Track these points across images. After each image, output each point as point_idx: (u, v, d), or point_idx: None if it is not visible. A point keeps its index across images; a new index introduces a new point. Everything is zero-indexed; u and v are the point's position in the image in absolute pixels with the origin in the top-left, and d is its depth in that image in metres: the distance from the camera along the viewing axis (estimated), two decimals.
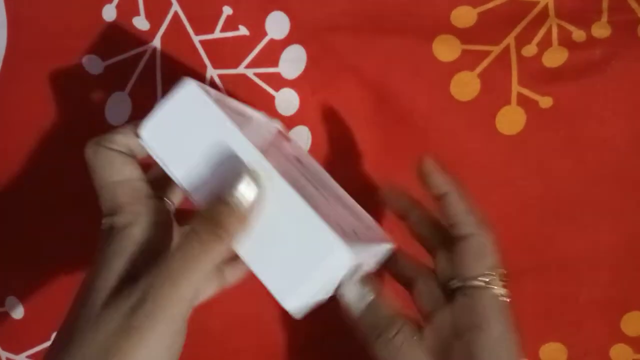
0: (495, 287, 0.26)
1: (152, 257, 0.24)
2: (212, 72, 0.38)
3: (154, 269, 0.22)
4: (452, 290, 0.27)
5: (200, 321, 0.38)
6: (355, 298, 0.25)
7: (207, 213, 0.23)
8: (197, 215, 0.23)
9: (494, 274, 0.26)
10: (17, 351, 0.39)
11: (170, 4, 0.37)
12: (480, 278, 0.26)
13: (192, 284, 0.22)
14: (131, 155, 0.26)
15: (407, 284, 0.30)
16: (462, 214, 0.28)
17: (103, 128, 0.38)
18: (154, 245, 0.25)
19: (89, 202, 0.29)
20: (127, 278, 0.23)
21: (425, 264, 0.30)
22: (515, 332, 0.26)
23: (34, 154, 0.38)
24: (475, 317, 0.26)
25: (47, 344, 0.39)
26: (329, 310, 0.25)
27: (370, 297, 0.25)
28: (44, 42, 0.37)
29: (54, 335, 0.37)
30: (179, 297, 0.22)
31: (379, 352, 0.25)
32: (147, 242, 0.24)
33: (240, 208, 0.22)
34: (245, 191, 0.22)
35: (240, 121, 0.26)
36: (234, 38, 0.37)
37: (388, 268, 0.31)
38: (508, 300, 0.26)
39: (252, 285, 0.25)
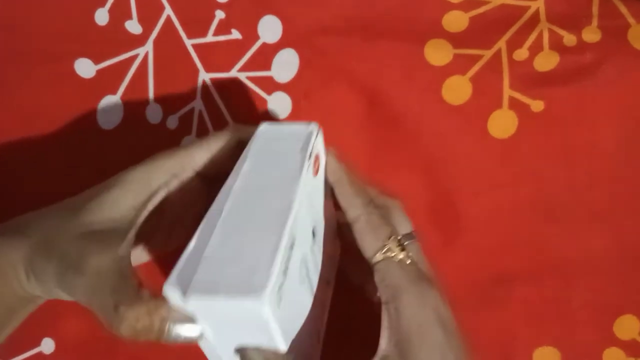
0: (394, 254, 0.26)
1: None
2: (204, 76, 0.38)
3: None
4: None
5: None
6: None
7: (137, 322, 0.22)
8: (136, 310, 0.22)
9: (388, 243, 0.26)
10: None
11: (163, 8, 0.37)
12: (378, 253, 0.26)
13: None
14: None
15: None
16: (348, 198, 0.28)
17: (94, 132, 0.38)
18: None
19: None
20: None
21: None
22: (438, 288, 0.26)
23: (25, 158, 0.38)
24: (388, 289, 0.26)
25: None
26: None
27: None
28: (36, 46, 0.37)
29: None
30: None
31: None
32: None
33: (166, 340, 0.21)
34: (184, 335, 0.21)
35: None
36: (226, 42, 0.37)
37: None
38: (409, 261, 0.26)
39: None
